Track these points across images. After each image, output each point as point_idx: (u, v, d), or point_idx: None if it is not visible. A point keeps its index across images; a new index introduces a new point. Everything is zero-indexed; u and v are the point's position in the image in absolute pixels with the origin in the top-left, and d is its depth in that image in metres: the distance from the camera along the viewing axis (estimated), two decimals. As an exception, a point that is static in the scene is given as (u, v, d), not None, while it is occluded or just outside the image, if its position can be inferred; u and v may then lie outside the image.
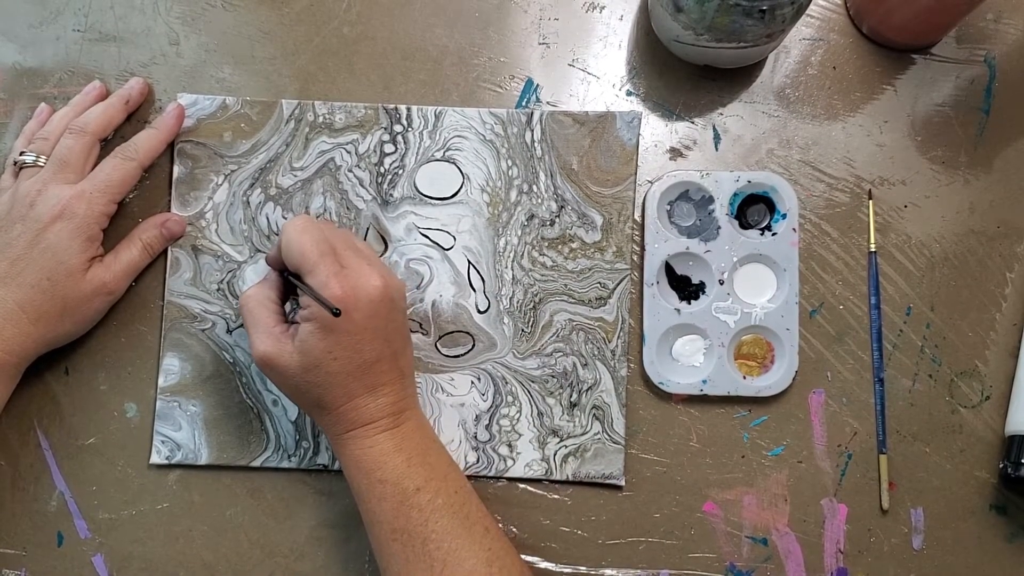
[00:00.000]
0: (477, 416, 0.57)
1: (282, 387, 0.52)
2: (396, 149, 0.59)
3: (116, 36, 0.61)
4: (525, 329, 0.58)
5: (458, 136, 0.59)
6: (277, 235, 0.58)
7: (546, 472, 0.57)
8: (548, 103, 0.60)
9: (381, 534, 0.50)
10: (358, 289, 0.49)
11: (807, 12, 0.59)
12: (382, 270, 0.51)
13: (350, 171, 0.59)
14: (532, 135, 0.59)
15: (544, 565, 0.56)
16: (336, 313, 0.46)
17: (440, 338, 0.58)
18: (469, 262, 0.58)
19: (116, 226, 0.57)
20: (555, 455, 0.57)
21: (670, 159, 0.60)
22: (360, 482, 0.50)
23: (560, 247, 0.58)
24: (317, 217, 0.58)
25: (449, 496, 0.50)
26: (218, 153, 0.59)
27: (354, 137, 0.59)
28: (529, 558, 0.56)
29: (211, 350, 0.58)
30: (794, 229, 0.58)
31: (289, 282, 0.53)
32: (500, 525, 0.56)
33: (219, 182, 0.59)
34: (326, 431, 0.52)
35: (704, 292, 0.58)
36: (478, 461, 0.57)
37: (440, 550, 0.48)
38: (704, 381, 0.57)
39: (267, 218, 0.59)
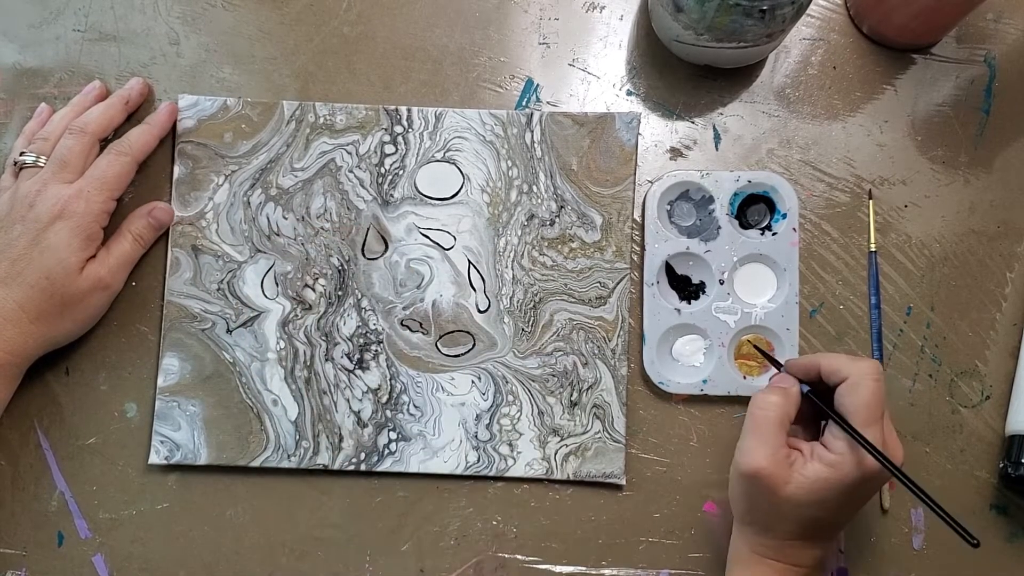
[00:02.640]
0: (478, 415, 0.57)
1: (741, 496, 0.49)
2: (397, 150, 0.59)
3: (116, 36, 0.61)
4: (525, 328, 0.58)
5: (458, 137, 0.59)
6: (278, 235, 0.59)
7: (547, 471, 0.57)
8: (548, 103, 0.60)
9: None
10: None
11: (807, 12, 0.59)
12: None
13: (351, 172, 0.59)
14: (532, 136, 0.59)
15: (544, 565, 0.56)
16: (975, 545, 0.44)
17: (440, 338, 0.58)
18: (469, 262, 0.58)
19: (117, 226, 0.57)
20: (556, 454, 0.57)
21: (670, 159, 0.60)
22: None
23: (560, 247, 0.58)
24: (317, 217, 0.58)
25: None
26: (219, 153, 0.59)
27: (355, 138, 0.59)
28: (529, 558, 0.56)
29: (211, 350, 0.58)
30: (794, 229, 0.58)
31: (811, 402, 0.50)
32: (501, 525, 0.56)
33: (220, 182, 0.59)
34: (742, 539, 0.51)
35: (704, 292, 0.58)
36: (479, 460, 0.57)
37: None
38: (704, 381, 0.57)
39: (267, 218, 0.59)
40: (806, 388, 0.50)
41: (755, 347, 0.57)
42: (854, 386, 0.47)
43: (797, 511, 0.47)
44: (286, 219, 0.59)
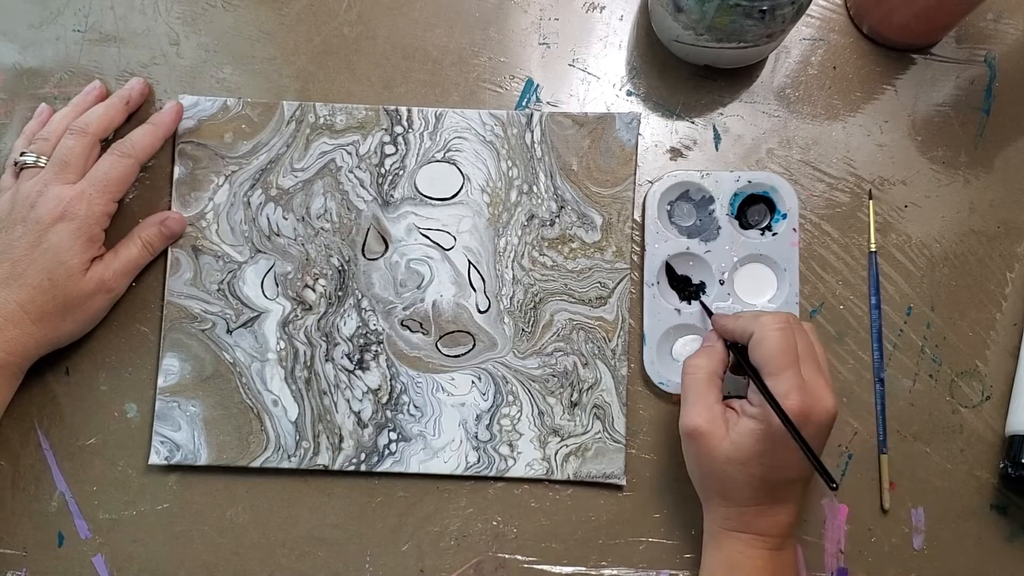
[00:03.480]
0: (478, 416, 0.57)
1: (693, 461, 0.51)
2: (397, 150, 0.59)
3: (116, 36, 0.61)
4: (525, 329, 0.58)
5: (458, 137, 0.59)
6: (278, 235, 0.59)
7: (547, 471, 0.57)
8: (548, 103, 0.60)
9: None
10: (814, 408, 0.47)
11: (807, 12, 0.59)
12: (831, 388, 0.49)
13: (351, 172, 0.59)
14: (532, 136, 0.59)
15: (544, 566, 0.56)
16: (834, 488, 0.45)
17: (441, 338, 0.58)
18: (469, 262, 0.58)
19: (117, 226, 0.57)
20: (556, 454, 0.57)
21: (670, 159, 0.60)
22: None
23: (560, 247, 0.58)
24: (317, 218, 0.59)
25: None
26: (219, 154, 0.59)
27: (355, 138, 0.59)
28: (529, 558, 0.56)
29: (211, 350, 0.58)
30: (794, 229, 0.58)
31: (734, 355, 0.52)
32: (501, 525, 0.56)
33: (220, 183, 0.59)
34: (709, 515, 0.52)
35: (704, 292, 0.58)
36: (479, 461, 0.57)
37: None
38: (704, 381, 0.57)
39: (267, 219, 0.59)
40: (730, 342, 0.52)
41: (697, 294, 0.57)
42: (759, 340, 0.49)
43: (742, 470, 0.48)
44: (286, 219, 0.59)
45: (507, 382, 0.57)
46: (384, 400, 0.57)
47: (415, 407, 0.57)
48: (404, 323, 0.58)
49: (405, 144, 0.59)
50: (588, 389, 0.57)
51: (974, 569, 0.56)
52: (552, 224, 0.58)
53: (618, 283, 0.58)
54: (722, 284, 0.58)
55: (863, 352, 0.58)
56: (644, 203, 0.59)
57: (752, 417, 0.48)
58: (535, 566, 0.56)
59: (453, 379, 0.57)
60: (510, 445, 0.57)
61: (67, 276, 0.53)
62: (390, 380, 0.57)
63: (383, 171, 0.59)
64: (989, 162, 0.59)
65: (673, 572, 0.56)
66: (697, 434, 0.49)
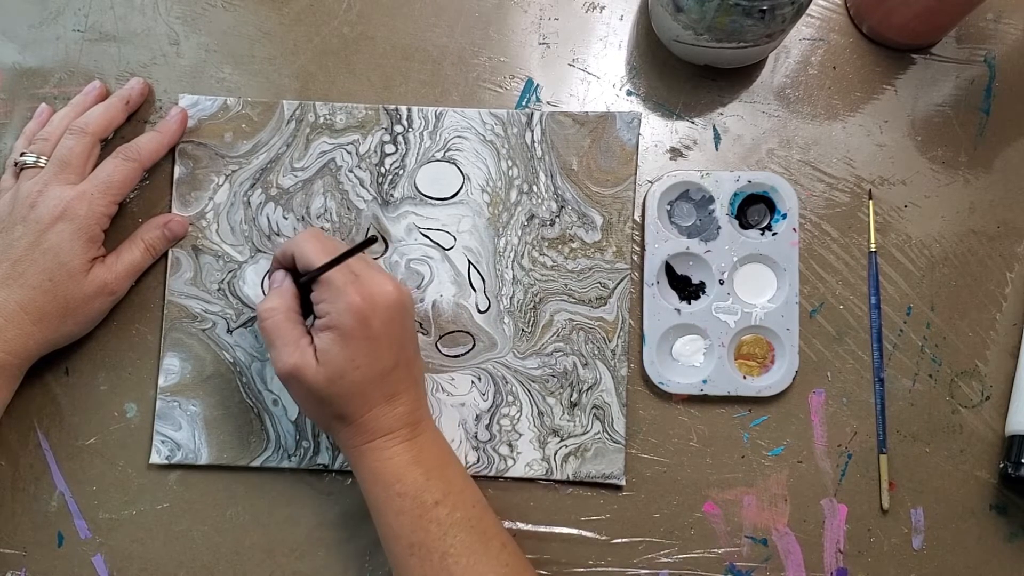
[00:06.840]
0: (477, 416, 0.57)
1: (303, 401, 0.51)
2: (397, 149, 0.59)
3: (116, 36, 0.61)
4: (525, 329, 0.58)
5: (458, 136, 0.59)
6: (278, 235, 0.59)
7: (546, 472, 0.57)
8: (548, 103, 0.60)
9: (398, 548, 0.49)
10: (375, 295, 0.49)
11: (807, 12, 0.59)
12: (391, 277, 0.51)
13: (351, 171, 0.59)
14: (532, 135, 0.59)
15: (544, 565, 0.56)
16: (373, 240, 0.47)
17: (440, 338, 0.58)
18: (469, 262, 0.58)
19: (117, 226, 0.57)
20: (555, 455, 0.57)
21: (670, 159, 0.60)
22: (378, 495, 0.50)
23: (560, 247, 0.58)
24: (317, 217, 0.59)
25: (467, 510, 0.50)
26: (219, 153, 0.59)
27: (355, 138, 0.59)
28: (529, 557, 0.56)
29: (211, 350, 0.58)
30: (794, 229, 0.58)
31: (302, 289, 0.52)
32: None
33: (220, 182, 0.59)
34: (343, 445, 0.52)
35: (704, 292, 0.58)
36: (478, 461, 0.57)
37: (458, 565, 0.48)
38: (704, 381, 0.57)
39: (268, 218, 0.59)
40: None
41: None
42: (300, 255, 0.50)
43: (344, 383, 0.49)
44: (286, 219, 0.59)
45: (507, 382, 0.57)
46: (384, 400, 0.57)
47: (415, 407, 0.57)
48: (404, 323, 0.58)
49: (405, 143, 0.59)
50: (588, 389, 0.57)
51: (974, 569, 0.56)
52: (552, 224, 0.58)
53: (618, 283, 0.58)
54: (722, 284, 0.58)
55: (863, 352, 0.58)
56: (644, 203, 0.59)
57: (326, 328, 0.48)
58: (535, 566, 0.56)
59: (453, 379, 0.57)
60: (509, 445, 0.57)
61: (68, 277, 0.53)
62: (390, 380, 0.57)
63: (383, 170, 0.59)
64: (989, 162, 0.59)
65: (673, 572, 0.56)
66: (295, 372, 0.49)
